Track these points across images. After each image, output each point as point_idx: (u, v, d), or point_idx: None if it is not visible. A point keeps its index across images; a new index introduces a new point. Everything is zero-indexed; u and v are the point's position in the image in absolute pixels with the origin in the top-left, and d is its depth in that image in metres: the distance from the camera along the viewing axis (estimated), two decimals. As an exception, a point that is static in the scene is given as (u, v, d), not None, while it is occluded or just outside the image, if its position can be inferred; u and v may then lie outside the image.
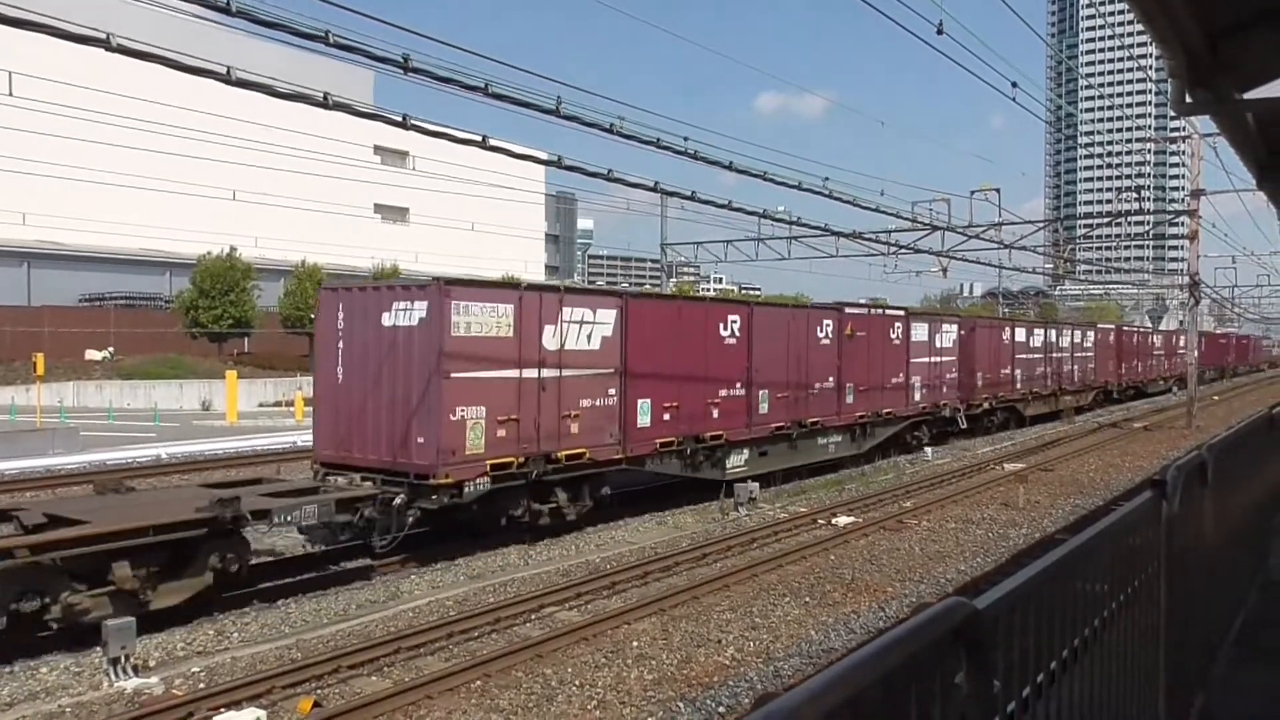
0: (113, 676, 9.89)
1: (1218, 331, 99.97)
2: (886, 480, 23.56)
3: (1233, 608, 6.63)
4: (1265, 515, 8.22)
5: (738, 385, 20.82)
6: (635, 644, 11.09)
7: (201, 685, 9.79)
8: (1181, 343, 58.34)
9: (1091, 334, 45.58)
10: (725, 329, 20.54)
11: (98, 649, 10.24)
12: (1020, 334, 37.40)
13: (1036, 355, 38.45)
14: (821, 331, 23.84)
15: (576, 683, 9.87)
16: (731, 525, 17.95)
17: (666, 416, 18.72)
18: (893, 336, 27.32)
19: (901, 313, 28.53)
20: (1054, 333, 40.92)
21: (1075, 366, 42.75)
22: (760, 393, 21.45)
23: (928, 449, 28.61)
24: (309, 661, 10.23)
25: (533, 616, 12.17)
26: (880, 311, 27.94)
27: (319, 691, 9.66)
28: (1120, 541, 3.62)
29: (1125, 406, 49.43)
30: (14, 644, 10.70)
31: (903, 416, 27.65)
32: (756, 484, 20.20)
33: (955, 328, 31.14)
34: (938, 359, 29.53)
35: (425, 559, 15.19)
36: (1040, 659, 2.76)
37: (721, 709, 9.20)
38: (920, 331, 28.81)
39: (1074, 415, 41.17)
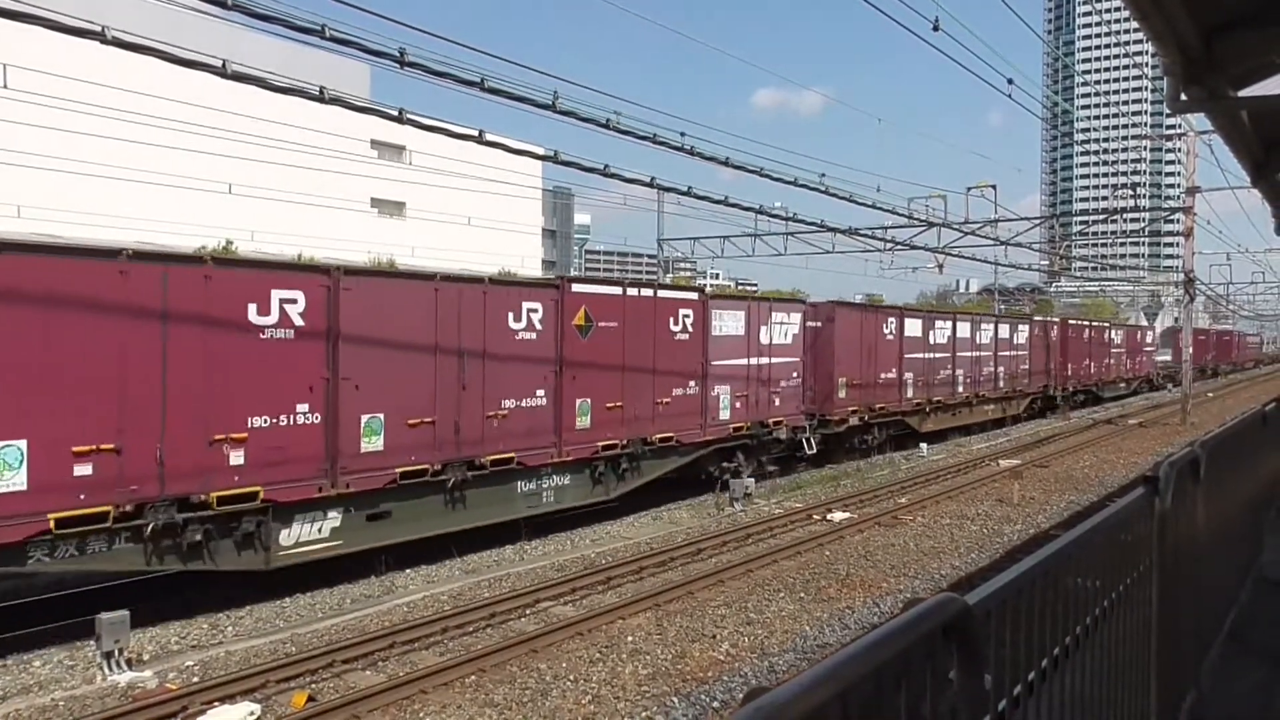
0: (106, 670, 9.90)
1: (1201, 328, 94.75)
2: (882, 476, 23.60)
3: (1225, 604, 6.64)
4: (1258, 512, 8.24)
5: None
6: (630, 639, 11.10)
7: (195, 679, 9.80)
8: (1148, 339, 58.01)
9: (1025, 329, 39.21)
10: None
11: (91, 642, 10.23)
12: (913, 327, 29.99)
13: (940, 355, 31.57)
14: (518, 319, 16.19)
15: (571, 677, 9.88)
16: (727, 521, 17.97)
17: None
18: (675, 328, 19.43)
19: (694, 295, 20.55)
20: (967, 327, 34.03)
21: (1000, 368, 36.13)
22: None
23: (923, 445, 28.63)
24: (303, 656, 10.24)
25: (528, 611, 12.18)
26: (651, 293, 19.25)
27: (313, 686, 9.67)
28: (1112, 538, 3.63)
29: (1121, 403, 49.25)
30: (7, 637, 10.70)
31: (695, 444, 19.99)
32: (752, 480, 20.21)
33: (799, 317, 23.84)
34: (766, 360, 22.16)
35: (420, 554, 15.19)
36: (1032, 655, 2.77)
37: (716, 704, 9.21)
38: (730, 322, 21.17)
39: (991, 429, 35.32)
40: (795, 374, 23.31)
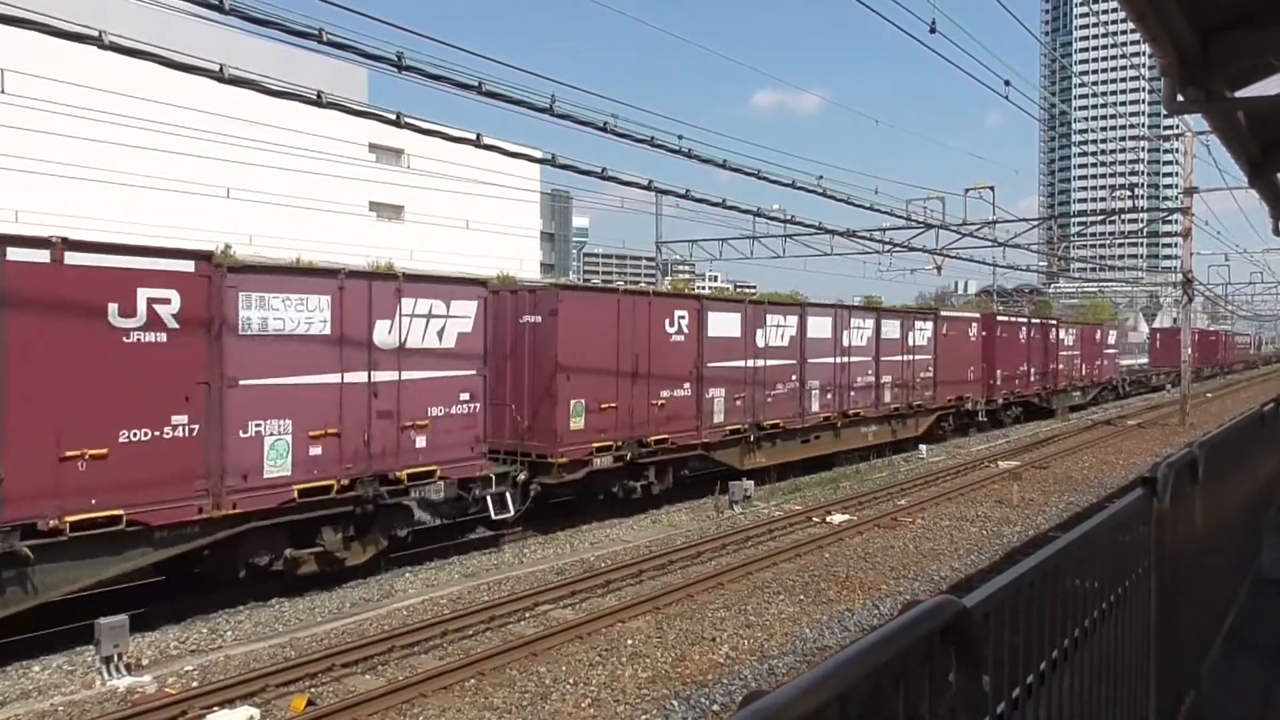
0: (105, 675, 9.89)
1: (1176, 327, 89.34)
2: (881, 478, 23.60)
3: (1224, 604, 6.64)
4: (1256, 512, 8.25)
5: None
6: (630, 642, 11.10)
7: (195, 683, 9.79)
8: (1111, 340, 50.54)
9: (927, 326, 30.32)
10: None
11: (90, 647, 10.22)
12: (725, 323, 21.29)
13: (778, 362, 22.92)
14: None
15: (571, 681, 9.87)
16: (726, 523, 17.96)
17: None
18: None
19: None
20: (826, 323, 24.98)
21: (887, 378, 27.56)
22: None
23: (922, 447, 28.63)
24: (302, 660, 10.23)
25: (527, 615, 12.17)
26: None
27: (312, 690, 9.66)
28: (1111, 539, 3.63)
29: (1120, 404, 49.07)
30: (6, 642, 10.68)
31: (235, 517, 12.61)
32: (751, 482, 20.20)
33: (474, 304, 15.39)
34: (418, 374, 14.57)
35: (420, 557, 15.18)
36: (1031, 656, 2.77)
37: (716, 707, 9.20)
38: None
39: (875, 457, 27.52)
40: (462, 400, 15.27)
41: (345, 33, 10.43)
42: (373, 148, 47.02)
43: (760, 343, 22.36)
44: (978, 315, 35.38)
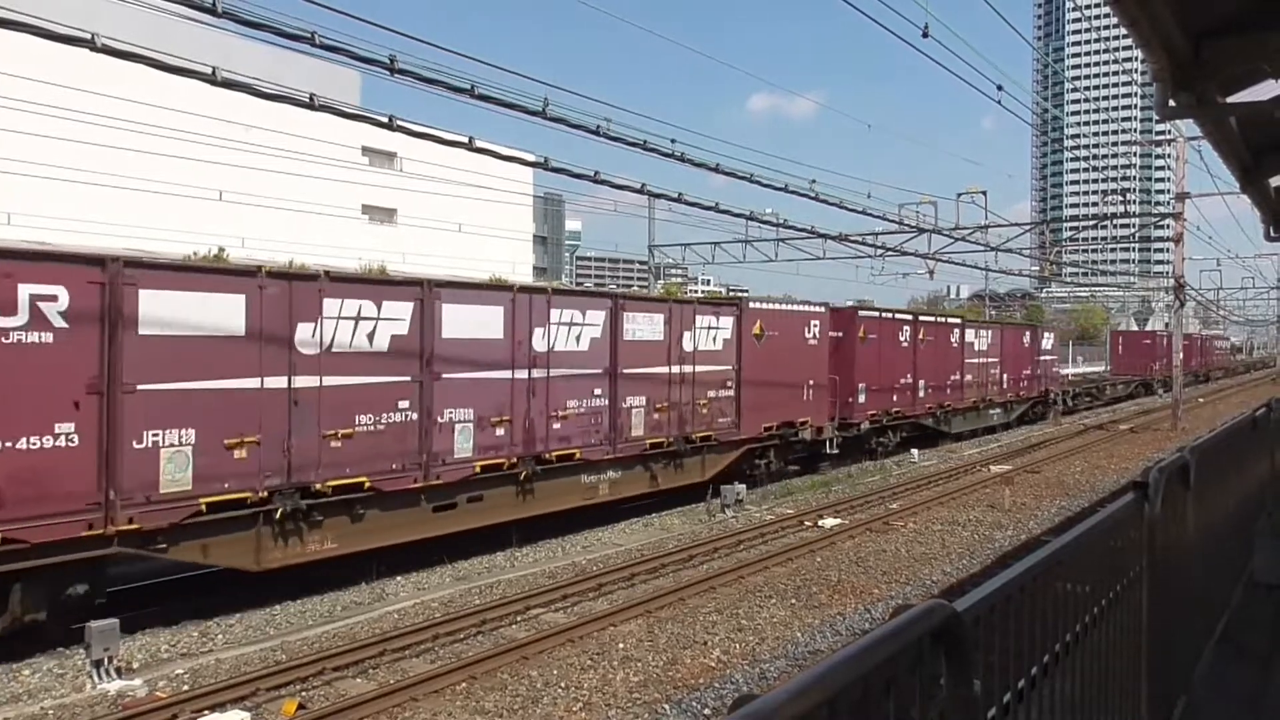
0: (96, 679, 9.84)
1: (1147, 330, 76.47)
2: (873, 482, 23.61)
3: (1215, 609, 6.65)
4: (1248, 516, 8.26)
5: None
6: (621, 646, 11.09)
7: (185, 687, 9.76)
8: (1046, 344, 42.09)
9: (727, 324, 21.26)
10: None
11: (81, 651, 10.18)
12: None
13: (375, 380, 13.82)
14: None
15: (562, 684, 9.86)
16: (718, 527, 17.96)
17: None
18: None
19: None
20: (487, 315, 15.61)
21: (637, 400, 18.53)
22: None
23: (914, 451, 28.66)
24: (294, 663, 10.20)
25: (519, 618, 12.15)
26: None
27: (304, 693, 9.63)
28: (1102, 544, 3.63)
29: (1111, 408, 49.00)
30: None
31: None
32: (744, 486, 20.21)
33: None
34: None
35: (411, 561, 15.14)
36: (1022, 660, 2.77)
37: (707, 711, 9.20)
38: None
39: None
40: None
41: (338, 36, 10.43)
42: (365, 151, 47.00)
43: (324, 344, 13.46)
44: (820, 310, 24.75)
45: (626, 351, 18.28)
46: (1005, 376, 36.87)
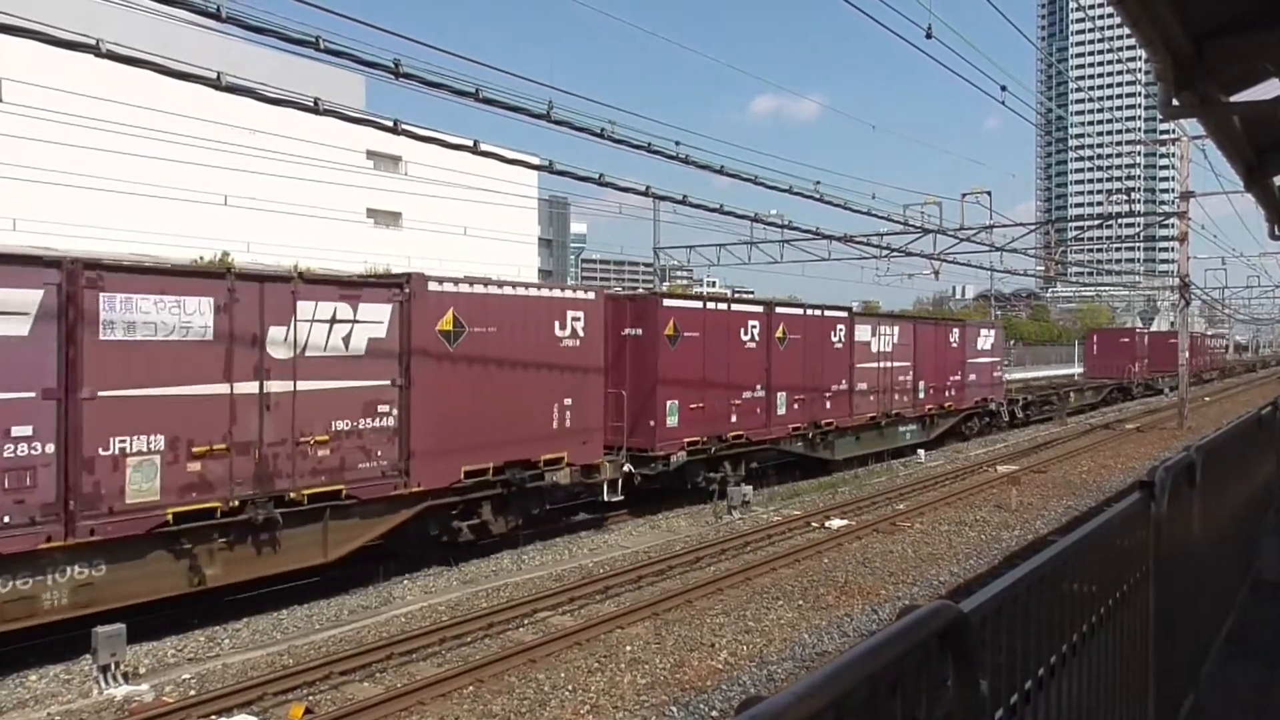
0: (103, 684, 9.87)
1: (1127, 327, 73.78)
2: (880, 483, 23.59)
3: (1223, 607, 6.64)
4: (1255, 514, 8.25)
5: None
6: (628, 648, 11.09)
7: (192, 692, 9.77)
8: (982, 343, 34.01)
9: (384, 311, 13.91)
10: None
11: (87, 656, 10.20)
12: None
13: None
14: None
15: (569, 687, 9.86)
16: (725, 529, 17.95)
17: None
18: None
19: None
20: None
21: (152, 440, 11.28)
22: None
23: (920, 452, 28.62)
24: (301, 668, 10.21)
25: (526, 621, 12.16)
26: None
27: (310, 698, 9.64)
28: (1108, 543, 3.63)
29: (1118, 407, 48.76)
30: (3, 651, 10.66)
31: None
32: (750, 487, 20.20)
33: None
34: None
35: (417, 564, 15.15)
36: (1029, 661, 2.76)
37: (714, 713, 9.19)
38: None
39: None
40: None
41: (342, 40, 10.45)
42: (370, 154, 47.04)
43: None
44: (587, 297, 17.82)
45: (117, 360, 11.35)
46: (923, 384, 29.47)
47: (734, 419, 21.16)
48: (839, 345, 25.22)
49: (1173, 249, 40.05)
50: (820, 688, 1.67)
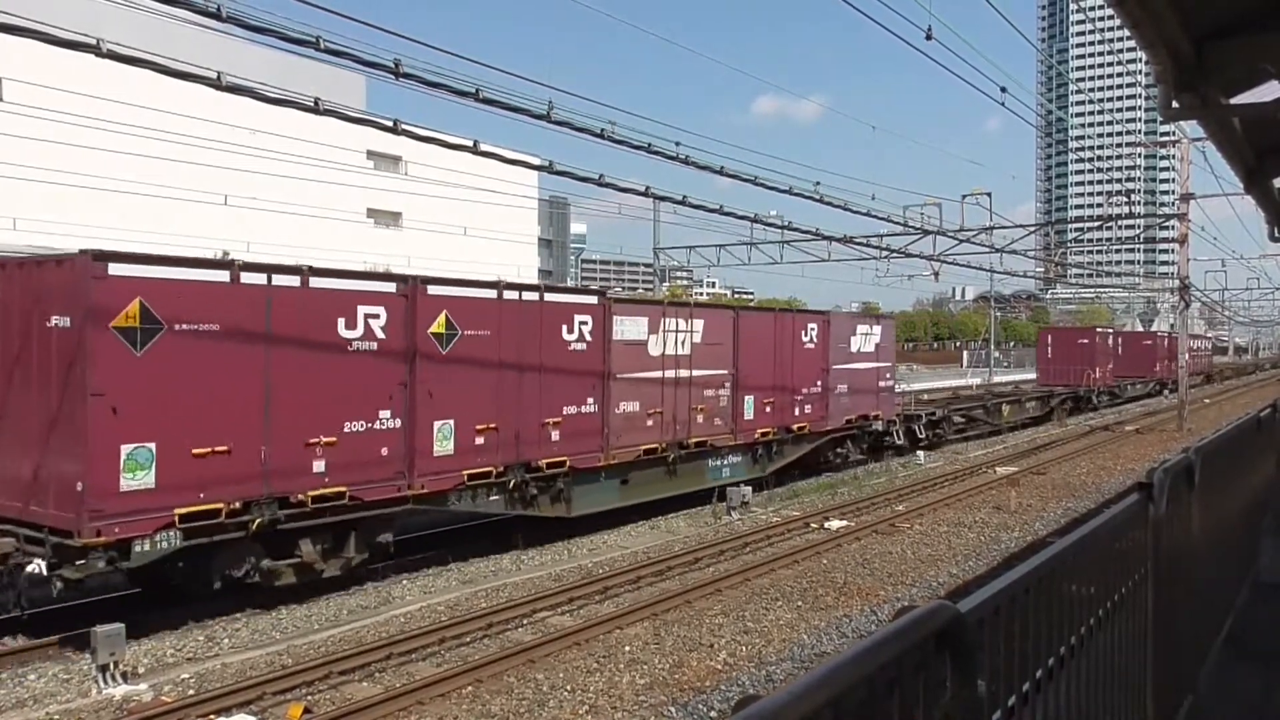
0: (102, 683, 9.86)
1: (1084, 327, 69.11)
2: (879, 484, 23.58)
3: (1222, 609, 6.64)
4: (1253, 516, 8.25)
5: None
6: (627, 648, 11.08)
7: (191, 692, 9.76)
8: (865, 344, 25.65)
9: None
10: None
11: (86, 656, 10.19)
12: None
13: None
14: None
15: (568, 687, 9.86)
16: (724, 529, 17.95)
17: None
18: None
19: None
20: None
21: None
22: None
23: (920, 453, 28.61)
24: (300, 667, 10.20)
25: (525, 621, 12.16)
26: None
27: (310, 697, 9.64)
28: (1107, 544, 3.63)
29: (1116, 409, 48.77)
30: (2, 651, 10.66)
31: None
32: (749, 488, 20.19)
33: None
34: None
35: (417, 564, 15.16)
36: (1027, 662, 2.77)
37: (713, 714, 9.19)
38: None
39: None
40: None
41: (343, 40, 10.45)
42: (370, 155, 47.04)
43: None
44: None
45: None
46: (751, 400, 21.12)
47: (337, 476, 12.83)
48: (578, 348, 16.87)
49: (1172, 251, 39.99)
50: (818, 687, 1.67)
